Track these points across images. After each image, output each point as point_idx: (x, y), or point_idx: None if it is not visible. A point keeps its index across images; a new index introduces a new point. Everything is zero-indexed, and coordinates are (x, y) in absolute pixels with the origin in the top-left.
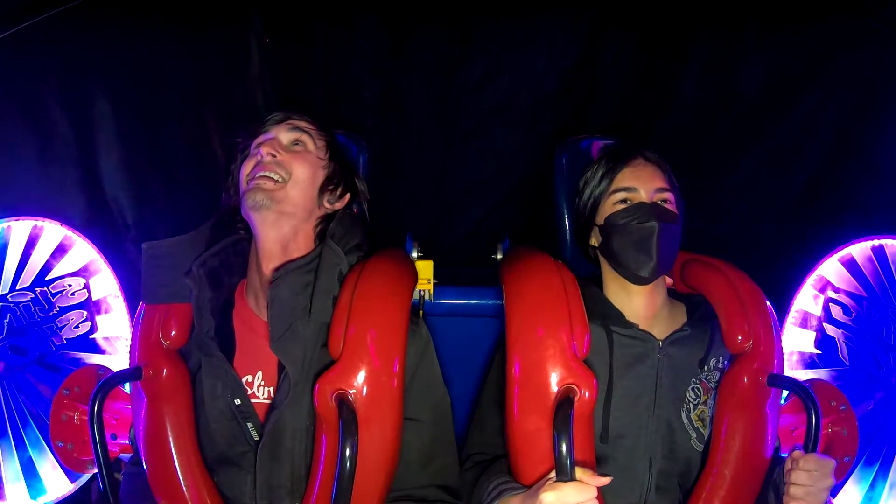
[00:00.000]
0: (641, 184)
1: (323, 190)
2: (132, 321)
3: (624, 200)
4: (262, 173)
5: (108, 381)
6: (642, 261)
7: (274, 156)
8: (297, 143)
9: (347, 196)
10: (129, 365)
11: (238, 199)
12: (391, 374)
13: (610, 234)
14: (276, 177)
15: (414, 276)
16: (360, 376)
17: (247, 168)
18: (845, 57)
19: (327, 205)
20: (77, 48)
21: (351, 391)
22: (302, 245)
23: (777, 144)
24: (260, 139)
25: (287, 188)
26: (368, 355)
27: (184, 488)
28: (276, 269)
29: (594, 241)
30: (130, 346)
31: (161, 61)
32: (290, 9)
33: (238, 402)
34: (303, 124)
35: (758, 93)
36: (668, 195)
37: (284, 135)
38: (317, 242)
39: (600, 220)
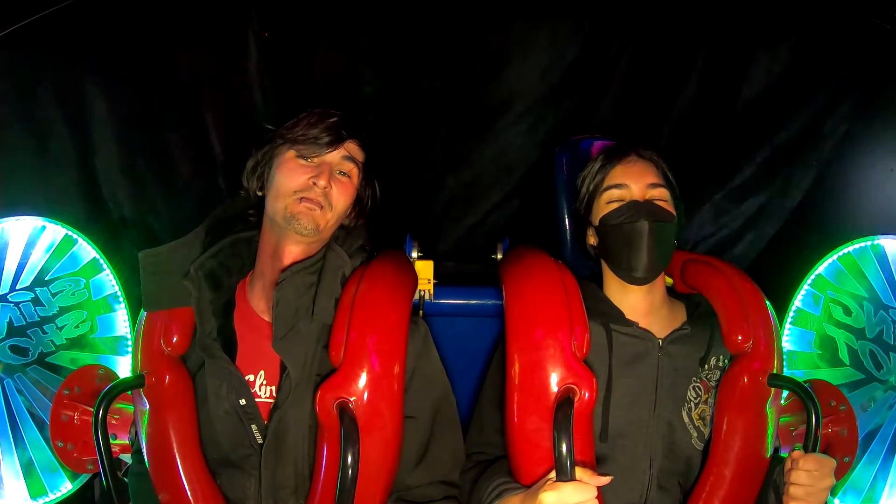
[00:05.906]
0: (632, 180)
1: (349, 211)
2: (133, 321)
3: (616, 199)
4: (311, 203)
5: (112, 390)
6: (635, 260)
7: (326, 188)
8: (344, 174)
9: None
10: (132, 372)
11: (259, 191)
12: (392, 381)
13: (604, 235)
14: (323, 206)
15: (414, 281)
16: (361, 384)
17: (295, 181)
18: (849, 58)
19: (345, 221)
20: (72, 46)
21: (352, 399)
22: (313, 251)
23: (779, 145)
24: (315, 158)
25: (328, 216)
26: (369, 363)
27: (188, 493)
28: (283, 270)
29: (592, 240)
30: (132, 353)
31: (158, 57)
32: (289, 3)
33: (243, 402)
34: (356, 153)
35: (761, 93)
36: (662, 191)
37: (337, 162)
38: (324, 243)
39: (595, 220)
